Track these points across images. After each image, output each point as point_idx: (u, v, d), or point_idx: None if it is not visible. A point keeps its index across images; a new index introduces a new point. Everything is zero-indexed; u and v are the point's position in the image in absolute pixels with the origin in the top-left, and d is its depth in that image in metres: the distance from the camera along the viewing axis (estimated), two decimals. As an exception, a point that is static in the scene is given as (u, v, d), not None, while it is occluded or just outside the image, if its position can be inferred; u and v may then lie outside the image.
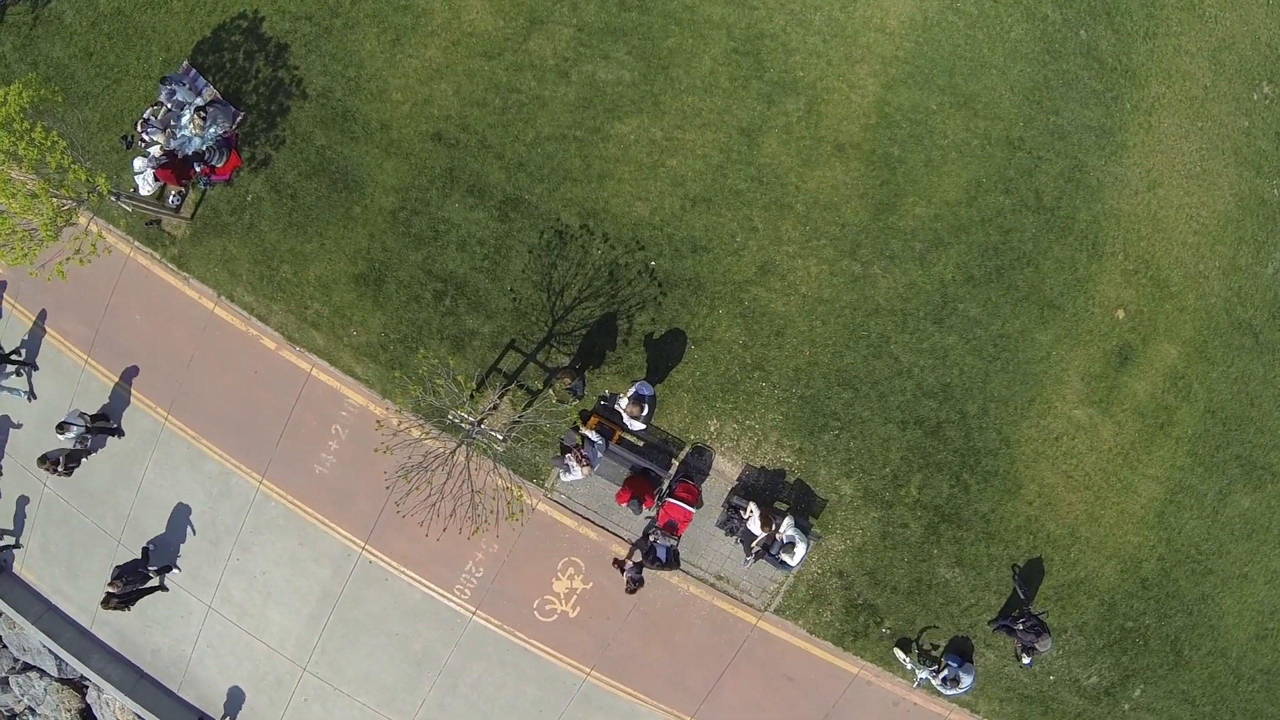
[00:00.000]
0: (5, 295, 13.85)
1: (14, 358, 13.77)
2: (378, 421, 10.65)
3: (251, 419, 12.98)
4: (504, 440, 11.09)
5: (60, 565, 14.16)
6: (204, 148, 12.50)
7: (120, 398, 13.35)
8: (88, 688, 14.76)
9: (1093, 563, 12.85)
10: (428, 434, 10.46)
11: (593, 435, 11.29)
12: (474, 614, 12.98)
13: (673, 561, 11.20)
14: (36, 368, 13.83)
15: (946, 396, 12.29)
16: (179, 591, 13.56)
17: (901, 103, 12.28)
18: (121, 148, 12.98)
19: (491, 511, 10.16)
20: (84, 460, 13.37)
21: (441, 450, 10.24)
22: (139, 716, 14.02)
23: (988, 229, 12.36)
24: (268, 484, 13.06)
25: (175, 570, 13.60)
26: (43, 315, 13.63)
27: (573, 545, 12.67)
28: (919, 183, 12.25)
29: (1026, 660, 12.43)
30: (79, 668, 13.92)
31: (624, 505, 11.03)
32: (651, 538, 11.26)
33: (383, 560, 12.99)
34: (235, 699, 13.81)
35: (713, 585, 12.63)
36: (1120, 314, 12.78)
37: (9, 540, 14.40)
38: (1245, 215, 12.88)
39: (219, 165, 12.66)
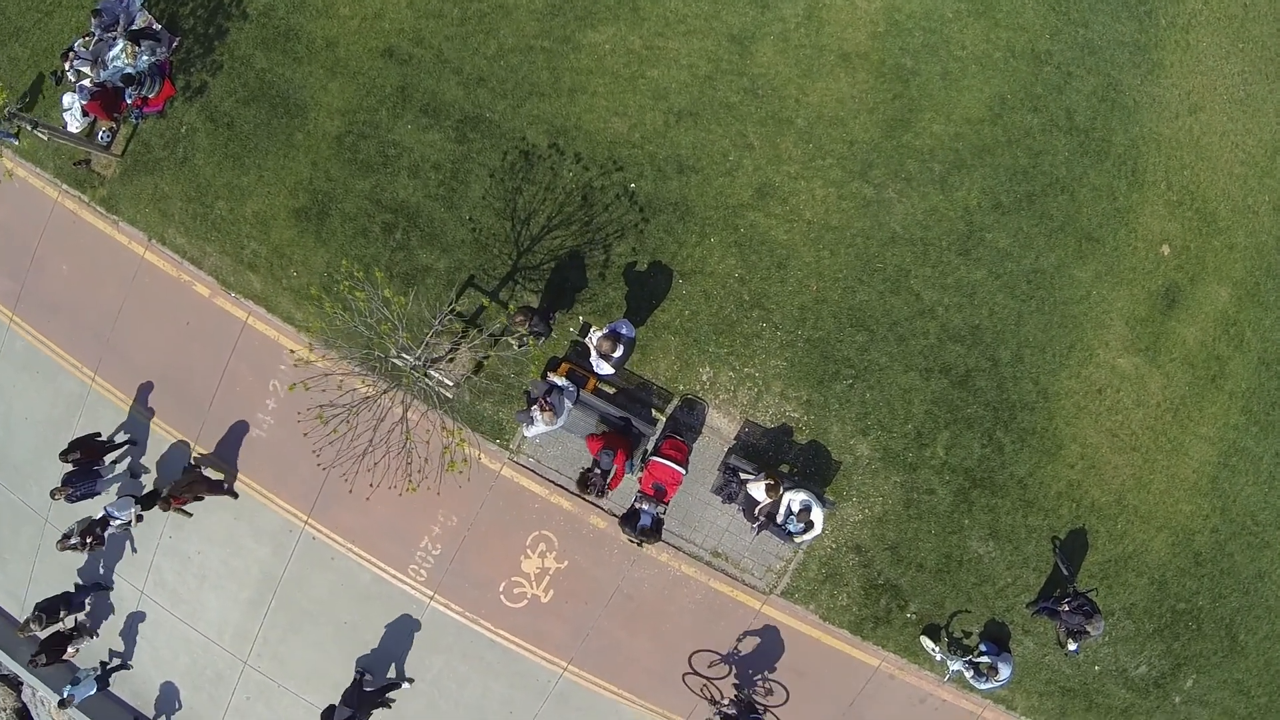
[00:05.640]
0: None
1: (118, 440, 9.78)
2: (291, 350, 7.20)
3: (183, 376, 9.47)
4: (455, 387, 7.63)
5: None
6: (136, 73, 9.27)
7: (45, 360, 9.94)
8: (22, 685, 11.16)
9: (1141, 535, 9.21)
10: (350, 370, 6.98)
11: (562, 383, 7.81)
12: (431, 599, 9.29)
13: (656, 532, 7.65)
14: (143, 451, 9.79)
15: (975, 340, 8.76)
16: (108, 576, 10.03)
17: (913, 9, 8.90)
18: (52, 84, 9.74)
19: (426, 460, 6.66)
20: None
21: (371, 393, 6.81)
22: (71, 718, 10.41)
23: (1015, 150, 8.93)
24: (200, 450, 9.56)
25: (388, 706, 9.37)
26: None
27: (544, 517, 9.02)
28: (936, 98, 8.85)
29: (1073, 646, 8.75)
30: (7, 663, 10.31)
31: (595, 457, 7.48)
32: (634, 503, 7.73)
33: (327, 536, 9.34)
34: (171, 696, 10.11)
35: (709, 564, 8.96)
36: (1165, 250, 9.29)
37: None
38: (1294, 146, 9.47)
39: (152, 95, 9.41)
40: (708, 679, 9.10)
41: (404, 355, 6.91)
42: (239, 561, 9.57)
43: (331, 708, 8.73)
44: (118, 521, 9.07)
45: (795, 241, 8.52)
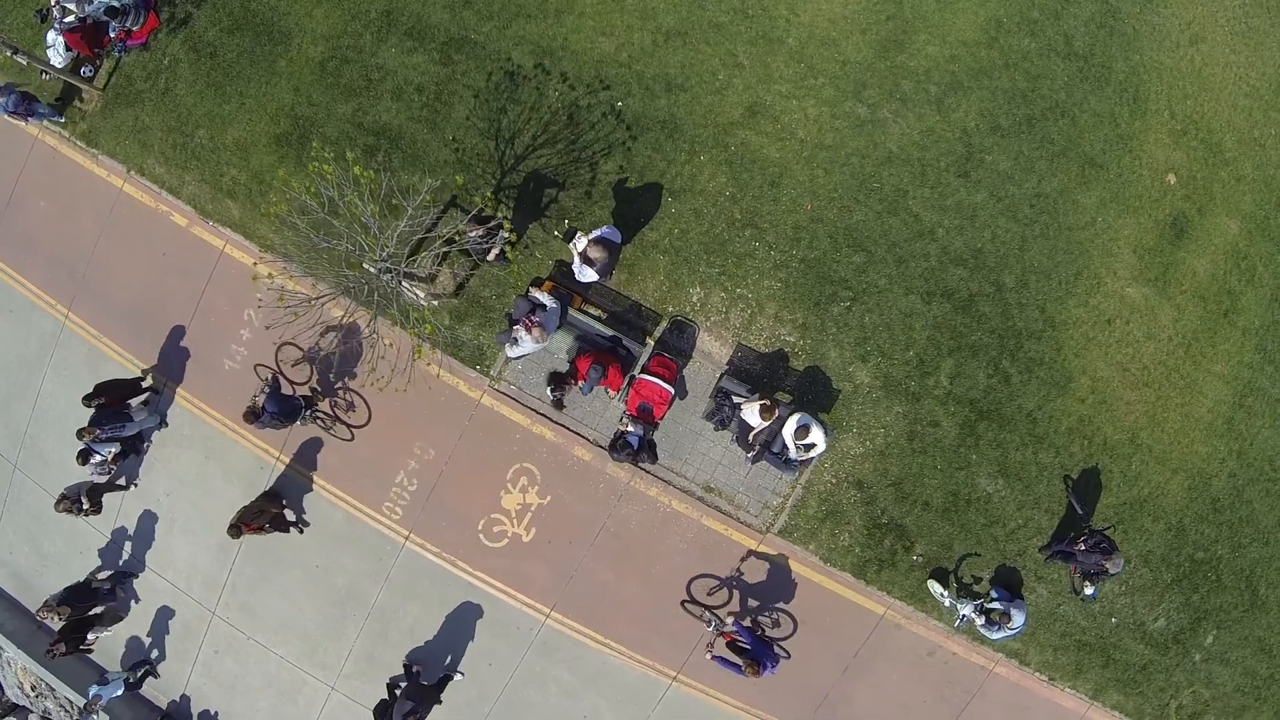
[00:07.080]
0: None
1: (145, 386, 8.98)
2: (256, 262, 6.60)
3: (158, 309, 8.81)
4: (429, 297, 6.97)
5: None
6: (120, 6, 8.87)
7: (19, 298, 9.33)
8: (-11, 645, 10.30)
9: (1157, 477, 8.44)
10: (301, 279, 6.33)
11: (546, 299, 7.17)
12: (407, 539, 8.47)
13: (648, 451, 6.92)
14: (158, 393, 9.00)
15: (978, 265, 8.10)
16: (76, 523, 9.23)
17: (906, -67, 8.53)
18: (36, 22, 9.35)
19: (391, 345, 5.97)
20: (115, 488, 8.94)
21: (333, 293, 6.18)
22: (39, 677, 9.58)
23: (1013, 74, 8.39)
24: (174, 387, 8.87)
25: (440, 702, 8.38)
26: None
27: (526, 449, 8.25)
28: (930, 19, 8.35)
29: (1090, 590, 7.96)
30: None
31: (583, 376, 6.78)
32: (620, 426, 7.02)
33: (300, 474, 8.64)
34: (138, 651, 9.32)
35: (701, 499, 8.16)
36: (1171, 179, 8.70)
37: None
38: (1297, 80, 8.93)
39: (136, 28, 8.99)
40: (708, 606, 8.21)
41: (376, 259, 6.28)
42: (209, 503, 8.78)
43: (384, 702, 7.85)
44: (98, 458, 8.35)
45: (788, 160, 7.94)
